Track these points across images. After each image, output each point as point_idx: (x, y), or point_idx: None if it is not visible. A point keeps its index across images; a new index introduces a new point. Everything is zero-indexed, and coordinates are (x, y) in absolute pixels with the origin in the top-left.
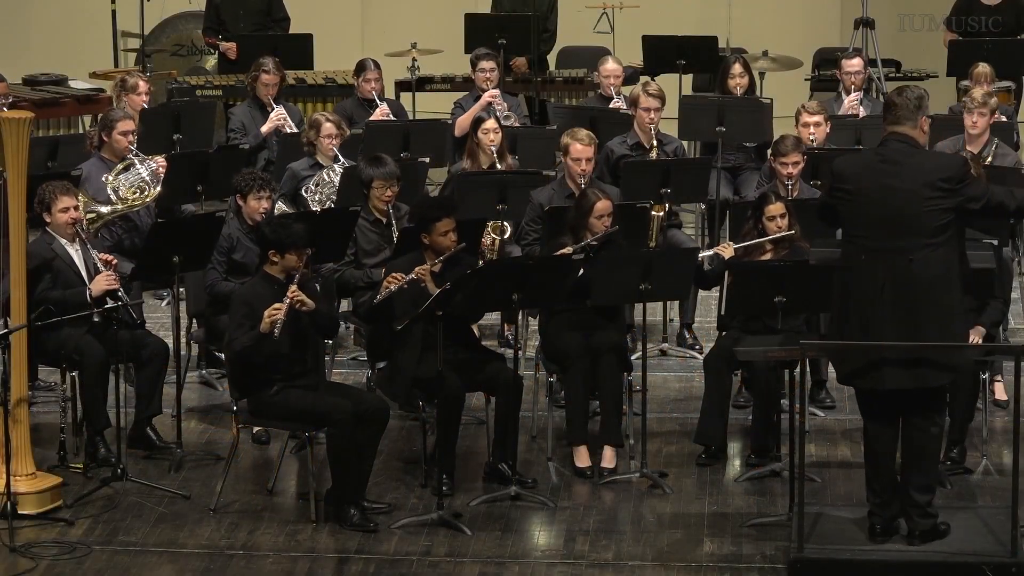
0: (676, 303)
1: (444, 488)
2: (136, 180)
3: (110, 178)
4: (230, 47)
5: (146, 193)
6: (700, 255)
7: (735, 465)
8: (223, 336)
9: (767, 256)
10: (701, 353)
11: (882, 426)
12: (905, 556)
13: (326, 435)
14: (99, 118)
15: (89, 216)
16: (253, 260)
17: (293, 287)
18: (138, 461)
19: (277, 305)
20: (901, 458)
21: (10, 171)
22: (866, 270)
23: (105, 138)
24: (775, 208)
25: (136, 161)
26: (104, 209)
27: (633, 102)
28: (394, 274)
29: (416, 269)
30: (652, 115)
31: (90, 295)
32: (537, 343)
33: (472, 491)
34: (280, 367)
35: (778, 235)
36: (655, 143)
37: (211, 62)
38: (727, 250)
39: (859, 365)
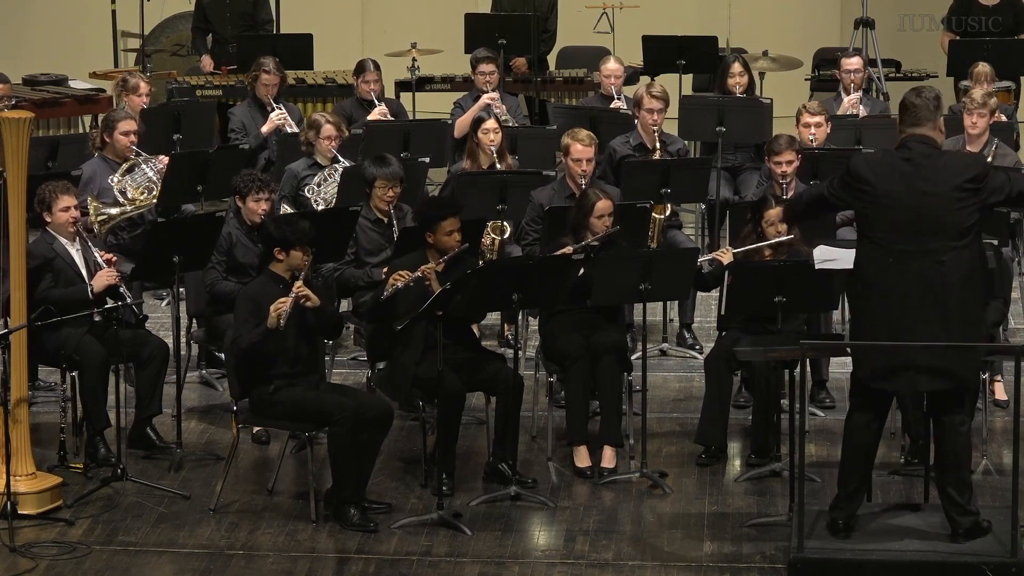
0: (676, 303)
1: (444, 488)
2: (143, 180)
3: (116, 179)
4: (206, 61)
5: (153, 193)
6: (699, 259)
7: (735, 465)
8: (223, 336)
9: (766, 259)
10: (701, 353)
11: (871, 418)
12: (905, 556)
13: (327, 434)
14: (102, 118)
15: (100, 219)
16: (252, 260)
17: (299, 282)
18: (138, 461)
19: (283, 299)
20: (935, 460)
21: (10, 171)
22: (894, 271)
23: (107, 138)
24: (775, 214)
25: (140, 161)
26: (114, 211)
27: (636, 103)
28: (400, 272)
29: (421, 268)
30: (655, 116)
31: (92, 292)
32: (537, 343)
33: (472, 491)
34: (282, 366)
35: (777, 240)
36: (659, 144)
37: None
38: (726, 256)
39: (880, 366)
